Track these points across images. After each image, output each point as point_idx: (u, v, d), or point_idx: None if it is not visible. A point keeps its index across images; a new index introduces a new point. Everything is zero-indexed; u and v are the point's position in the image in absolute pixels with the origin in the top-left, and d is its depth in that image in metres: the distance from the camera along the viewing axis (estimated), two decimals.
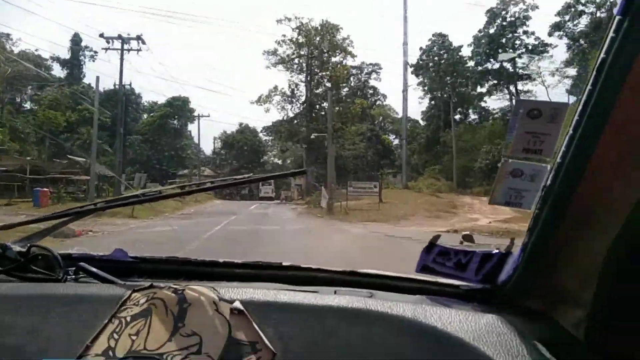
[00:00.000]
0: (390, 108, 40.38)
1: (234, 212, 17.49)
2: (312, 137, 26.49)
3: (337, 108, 30.03)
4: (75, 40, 40.56)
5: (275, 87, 33.22)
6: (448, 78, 33.84)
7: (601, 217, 0.53)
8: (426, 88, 35.76)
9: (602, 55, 0.50)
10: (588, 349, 0.54)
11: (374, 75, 37.80)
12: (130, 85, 42.91)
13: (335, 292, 0.73)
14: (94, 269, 0.76)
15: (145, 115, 43.51)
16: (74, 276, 0.78)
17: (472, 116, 35.92)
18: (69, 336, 0.59)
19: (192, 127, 44.14)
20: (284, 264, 0.85)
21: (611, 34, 0.49)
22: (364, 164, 30.92)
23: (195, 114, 42.01)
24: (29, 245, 0.78)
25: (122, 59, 20.54)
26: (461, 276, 0.70)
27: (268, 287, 0.74)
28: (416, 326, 0.58)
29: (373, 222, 13.77)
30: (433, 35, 35.80)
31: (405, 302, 0.63)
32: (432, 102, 36.06)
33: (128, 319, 0.61)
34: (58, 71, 41.11)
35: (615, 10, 0.50)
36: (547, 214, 0.56)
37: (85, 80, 42.21)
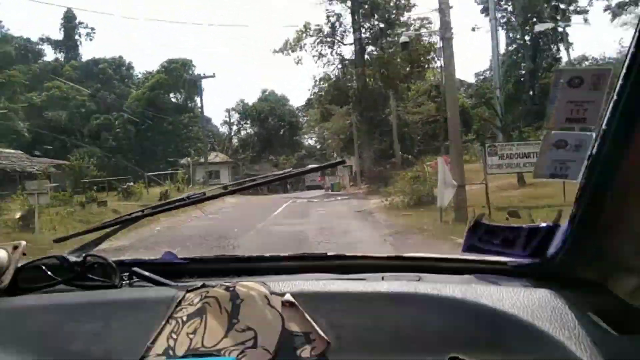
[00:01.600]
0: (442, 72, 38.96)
1: (232, 233, 10.92)
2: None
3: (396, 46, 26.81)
4: (68, 17, 43.05)
5: (307, 26, 29.19)
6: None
7: None
8: (505, 26, 34.84)
9: None
10: None
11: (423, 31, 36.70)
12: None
13: (382, 278, 1.00)
14: (147, 273, 1.08)
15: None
16: (128, 281, 1.10)
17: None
18: (130, 339, 0.87)
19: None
20: (328, 254, 1.15)
21: None
22: (435, 131, 30.05)
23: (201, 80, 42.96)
24: (84, 255, 1.10)
25: None
26: (509, 252, 0.94)
27: (316, 277, 1.03)
28: (467, 306, 0.82)
29: None
30: None
31: (454, 283, 0.88)
32: (511, 47, 35.19)
33: (184, 318, 0.88)
34: (51, 55, 44.81)
35: None
36: (594, 183, 0.77)
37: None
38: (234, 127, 51.62)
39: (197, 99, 44.17)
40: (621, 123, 0.72)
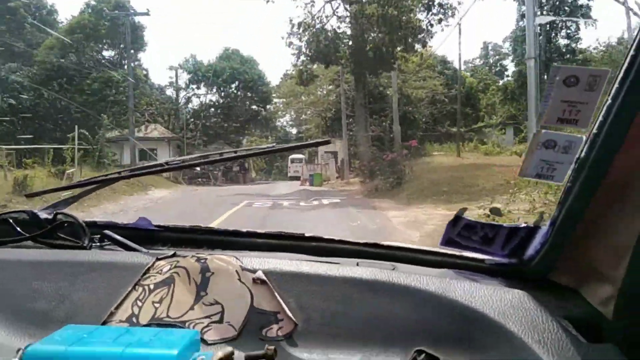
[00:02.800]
0: (431, 53, 38.85)
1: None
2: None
3: None
4: None
5: None
6: None
7: (636, 193, 0.93)
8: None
9: None
10: (615, 326, 0.95)
11: None
12: None
13: (357, 264, 1.22)
14: (119, 237, 1.31)
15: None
16: (99, 244, 1.34)
17: None
18: (94, 302, 1.08)
19: (143, 56, 43.38)
20: (306, 234, 1.40)
21: None
22: (441, 112, 30.10)
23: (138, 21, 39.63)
24: (55, 212, 1.34)
25: None
26: (487, 250, 1.18)
27: (290, 257, 1.25)
28: (441, 300, 1.03)
29: None
30: None
31: (429, 276, 1.10)
32: (522, 23, 37.83)
33: (151, 286, 1.09)
34: None
35: None
36: (579, 188, 0.97)
37: None
38: (182, 93, 50.09)
39: (141, 55, 43.28)
40: (612, 129, 0.89)
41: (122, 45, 41.95)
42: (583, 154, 0.95)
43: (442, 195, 15.69)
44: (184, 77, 50.35)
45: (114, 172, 1.62)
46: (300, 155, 41.30)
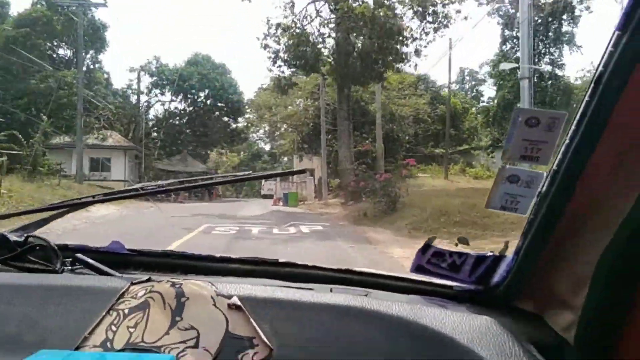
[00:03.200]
0: (424, 75, 40.36)
1: None
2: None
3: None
4: None
5: None
6: None
7: (594, 225, 1.10)
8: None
9: (600, 68, 1.03)
10: (576, 351, 1.12)
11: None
12: None
13: (331, 290, 1.37)
14: (91, 261, 1.43)
15: None
16: (70, 267, 1.45)
17: None
18: (66, 327, 1.17)
19: (104, 58, 42.24)
20: (280, 260, 1.55)
21: (610, 48, 1.02)
22: (426, 132, 30.35)
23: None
24: (25, 235, 1.45)
25: None
26: (455, 277, 1.35)
27: (264, 283, 1.39)
28: (412, 326, 1.18)
29: None
30: None
31: (400, 302, 1.26)
32: (505, 47, 40.53)
33: (126, 311, 1.19)
34: None
35: (614, 26, 1.10)
36: (541, 220, 1.15)
37: None
38: (144, 99, 48.91)
39: (101, 57, 42.70)
40: (570, 166, 1.07)
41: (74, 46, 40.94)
42: (544, 188, 1.14)
43: (453, 226, 14.86)
44: (146, 81, 49.77)
45: (87, 196, 1.73)
46: None
